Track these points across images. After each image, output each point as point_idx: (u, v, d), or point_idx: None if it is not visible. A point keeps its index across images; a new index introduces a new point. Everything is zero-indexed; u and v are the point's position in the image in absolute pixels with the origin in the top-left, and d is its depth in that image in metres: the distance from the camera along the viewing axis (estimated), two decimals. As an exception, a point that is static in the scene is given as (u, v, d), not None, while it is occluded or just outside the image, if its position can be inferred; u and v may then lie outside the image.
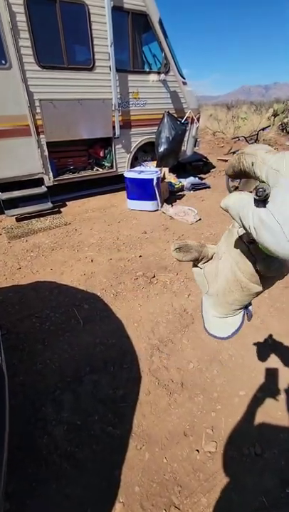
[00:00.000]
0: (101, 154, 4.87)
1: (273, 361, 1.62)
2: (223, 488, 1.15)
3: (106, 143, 4.74)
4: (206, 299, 0.38)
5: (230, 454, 1.26)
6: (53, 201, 4.28)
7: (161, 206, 4.15)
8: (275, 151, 0.21)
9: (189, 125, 5.13)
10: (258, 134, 5.12)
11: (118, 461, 1.24)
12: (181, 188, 5.02)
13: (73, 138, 4.26)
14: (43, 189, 4.11)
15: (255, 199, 0.22)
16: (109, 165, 4.86)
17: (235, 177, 0.26)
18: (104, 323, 2.04)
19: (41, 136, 3.92)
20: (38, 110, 3.79)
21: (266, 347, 1.75)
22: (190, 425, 1.38)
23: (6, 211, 3.86)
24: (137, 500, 1.12)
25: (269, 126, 7.25)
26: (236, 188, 0.31)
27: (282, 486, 1.15)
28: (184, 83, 5.06)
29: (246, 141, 5.01)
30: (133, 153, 4.96)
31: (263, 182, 0.21)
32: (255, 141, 5.05)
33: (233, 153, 4.85)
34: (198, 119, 5.40)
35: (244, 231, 0.30)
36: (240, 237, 0.31)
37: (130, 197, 4.22)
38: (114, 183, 5.09)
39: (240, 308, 0.35)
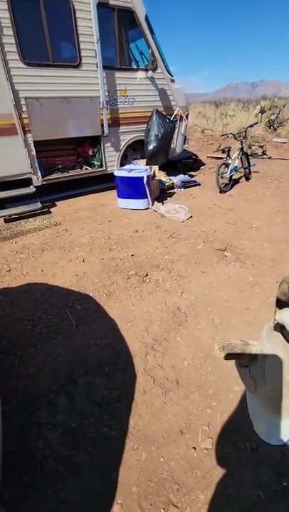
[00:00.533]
0: (90, 153, 4.82)
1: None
2: (220, 484, 1.16)
3: (95, 141, 4.69)
4: (253, 399, 0.36)
5: (226, 449, 1.27)
6: (42, 201, 4.21)
7: (152, 204, 4.14)
8: None
9: (178, 123, 5.13)
10: (246, 131, 5.16)
11: (115, 462, 1.24)
12: (172, 186, 5.02)
13: (61, 136, 4.19)
14: (31, 189, 4.03)
15: None
16: (98, 164, 4.81)
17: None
18: (98, 323, 2.02)
19: (28, 135, 3.84)
20: (24, 109, 3.71)
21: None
22: (186, 423, 1.38)
23: (-7, 212, 3.78)
24: (135, 501, 1.12)
25: (257, 123, 7.31)
26: None
27: (278, 479, 1.16)
28: (172, 80, 5.05)
29: (235, 138, 5.04)
30: (122, 151, 4.93)
31: None
32: (244, 138, 5.09)
33: (223, 151, 4.89)
34: (186, 117, 5.41)
35: None
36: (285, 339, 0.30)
37: (121, 196, 4.19)
38: (104, 181, 5.04)
39: None
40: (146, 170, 4.08)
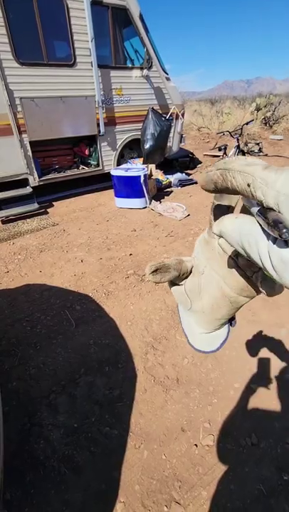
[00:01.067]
0: (86, 153, 4.81)
1: (265, 352, 1.65)
2: (222, 480, 1.16)
3: (91, 141, 4.68)
4: (187, 315, 0.34)
5: (227, 446, 1.28)
6: (39, 202, 4.20)
7: (150, 203, 4.14)
8: (274, 167, 0.18)
9: (174, 121, 5.12)
10: (242, 129, 5.17)
11: (117, 461, 1.24)
12: (169, 185, 5.02)
13: (57, 136, 4.17)
14: (28, 190, 4.02)
15: (271, 236, 0.18)
16: (95, 163, 4.80)
17: (216, 193, 0.23)
18: (97, 323, 2.02)
19: (23, 135, 3.82)
20: (19, 109, 3.69)
21: (258, 338, 1.77)
22: (187, 420, 1.39)
23: (-10, 214, 3.76)
24: (137, 499, 1.12)
25: (253, 120, 7.33)
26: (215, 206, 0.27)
27: (279, 474, 1.17)
28: (168, 79, 5.04)
29: (231, 135, 5.05)
30: (119, 150, 4.91)
31: (270, 209, 0.17)
32: (240, 136, 5.10)
33: (219, 148, 4.89)
34: (182, 115, 5.40)
35: (229, 245, 0.26)
36: (224, 250, 0.28)
37: (118, 195, 4.18)
38: (101, 181, 5.03)
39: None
40: (143, 169, 4.07)
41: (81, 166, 4.87)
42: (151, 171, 4.57)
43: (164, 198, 4.54)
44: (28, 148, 3.92)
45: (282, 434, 1.30)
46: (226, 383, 1.55)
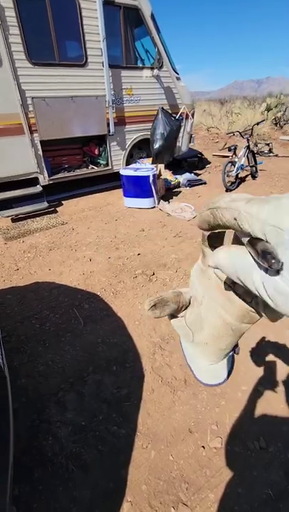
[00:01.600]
0: (96, 152, 4.83)
1: (272, 354, 1.63)
2: (229, 483, 1.16)
3: (101, 140, 4.70)
4: (191, 348, 0.34)
5: (235, 449, 1.27)
6: (49, 201, 4.24)
7: (158, 203, 4.13)
8: (256, 198, 0.18)
9: (184, 121, 5.11)
10: (252, 129, 5.11)
11: (124, 460, 1.24)
12: (178, 185, 5.01)
13: (67, 136, 4.21)
14: (38, 188, 4.06)
15: (263, 266, 0.18)
16: (104, 163, 4.82)
17: (212, 231, 0.24)
18: (105, 322, 2.03)
19: (35, 134, 3.87)
20: (31, 108, 3.73)
21: (264, 340, 1.75)
22: (195, 422, 1.38)
23: (0, 212, 3.81)
24: (144, 499, 1.12)
25: (263, 120, 7.23)
26: (209, 237, 0.27)
27: (287, 478, 1.16)
28: (178, 78, 5.03)
29: (241, 135, 5.00)
30: (128, 150, 4.93)
31: (258, 239, 0.18)
32: (250, 136, 5.05)
33: (229, 149, 4.85)
34: (192, 115, 5.38)
35: (224, 275, 0.26)
36: (220, 278, 0.28)
37: (126, 195, 4.19)
38: (110, 180, 5.05)
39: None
40: (152, 169, 4.07)
41: (90, 166, 4.90)
42: (160, 170, 4.56)
43: (172, 198, 4.54)
44: (39, 147, 3.96)
45: (291, 439, 1.29)
46: (234, 385, 1.54)
